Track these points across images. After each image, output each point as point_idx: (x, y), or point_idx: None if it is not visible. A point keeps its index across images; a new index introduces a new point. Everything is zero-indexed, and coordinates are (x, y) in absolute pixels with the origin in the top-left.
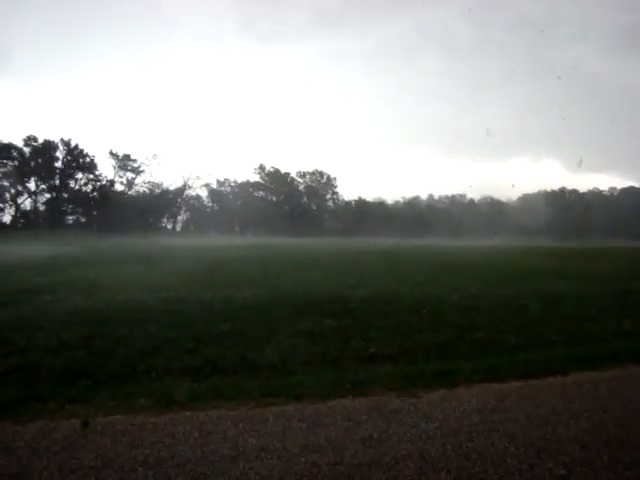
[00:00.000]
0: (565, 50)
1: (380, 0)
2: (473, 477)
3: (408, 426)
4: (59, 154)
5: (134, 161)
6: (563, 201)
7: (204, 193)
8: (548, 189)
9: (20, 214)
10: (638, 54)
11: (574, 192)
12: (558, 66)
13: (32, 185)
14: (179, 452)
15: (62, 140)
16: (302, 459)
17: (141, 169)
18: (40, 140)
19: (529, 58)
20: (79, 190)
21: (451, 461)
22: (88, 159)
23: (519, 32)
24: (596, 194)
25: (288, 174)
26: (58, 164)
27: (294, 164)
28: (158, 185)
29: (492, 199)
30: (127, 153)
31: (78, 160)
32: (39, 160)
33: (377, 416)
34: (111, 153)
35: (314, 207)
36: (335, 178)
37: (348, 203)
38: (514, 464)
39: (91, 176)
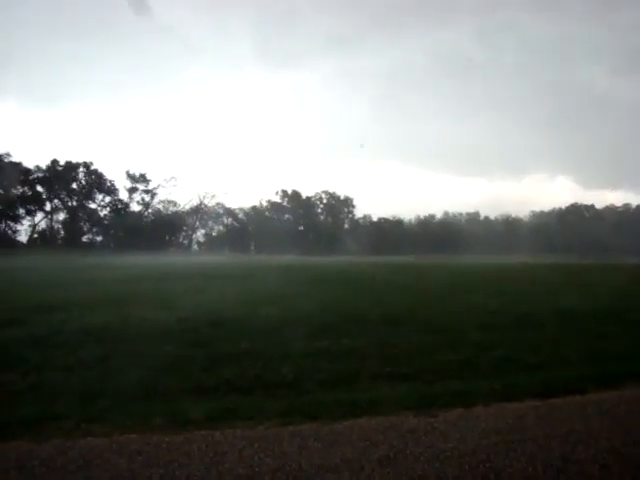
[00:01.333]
0: (578, 68)
1: (392, 22)
2: None
3: (425, 446)
4: (79, 176)
5: (149, 182)
6: (579, 217)
7: (220, 212)
8: (562, 206)
9: (37, 233)
10: None
11: (591, 208)
12: (571, 85)
13: (48, 205)
14: (194, 472)
15: (85, 163)
16: (318, 479)
17: (157, 190)
18: (61, 162)
19: (542, 77)
20: (95, 210)
21: None
22: (108, 182)
23: (531, 51)
24: (612, 210)
25: (300, 194)
26: (77, 185)
27: (310, 184)
28: (174, 204)
29: (507, 217)
30: (143, 173)
31: (97, 182)
32: (59, 181)
33: (393, 436)
34: (128, 174)
35: (331, 226)
36: (352, 199)
37: (365, 222)
38: None
39: (108, 198)
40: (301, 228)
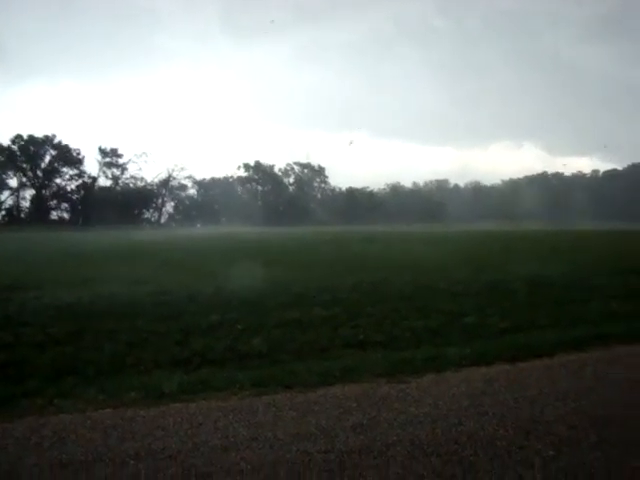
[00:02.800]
0: (543, 38)
1: None
2: (463, 460)
3: (398, 412)
4: (44, 151)
5: (120, 156)
6: (547, 185)
7: (189, 184)
8: (531, 173)
9: (4, 210)
10: (615, 41)
11: (558, 175)
12: (536, 53)
13: (15, 182)
14: (170, 444)
15: (47, 137)
16: (293, 447)
17: (127, 165)
18: (24, 136)
19: (507, 46)
20: (63, 186)
21: (441, 445)
22: (74, 155)
23: (497, 20)
24: (580, 177)
25: (273, 167)
26: (43, 161)
27: (281, 156)
28: (143, 179)
29: (477, 184)
30: (114, 148)
31: (63, 156)
32: (24, 157)
33: (367, 403)
34: (100, 149)
35: (301, 197)
36: (324, 168)
37: (335, 192)
38: (503, 446)
39: (76, 172)
40: (270, 199)
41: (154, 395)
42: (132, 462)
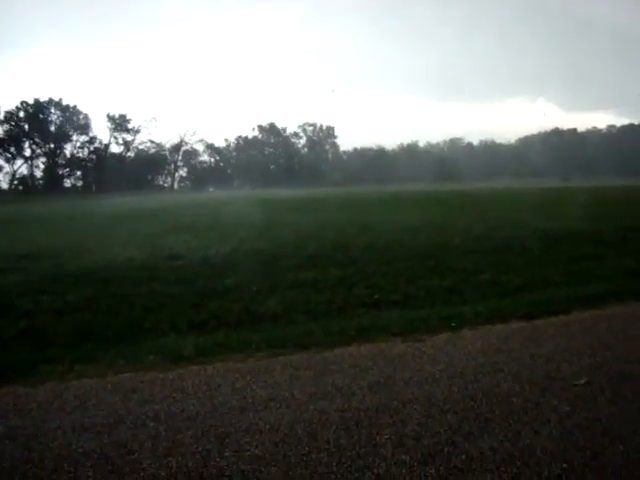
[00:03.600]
0: None
1: None
2: (479, 417)
3: (414, 370)
4: (53, 116)
5: (129, 122)
6: (562, 141)
7: (201, 149)
8: (546, 129)
9: (17, 180)
10: None
11: (573, 131)
12: (550, 7)
13: (27, 150)
14: (189, 406)
15: (53, 100)
16: (310, 407)
17: (138, 130)
18: (30, 101)
19: (520, 1)
20: (75, 153)
21: (457, 403)
22: (82, 119)
23: None
24: (595, 133)
25: (285, 129)
26: (52, 126)
27: (292, 119)
28: (155, 144)
29: (491, 142)
30: (123, 114)
31: (72, 121)
32: (33, 123)
33: (383, 362)
34: (108, 116)
35: (313, 158)
36: (333, 128)
37: (347, 153)
38: (519, 403)
39: (87, 138)
40: (282, 161)
41: (172, 358)
42: (152, 424)
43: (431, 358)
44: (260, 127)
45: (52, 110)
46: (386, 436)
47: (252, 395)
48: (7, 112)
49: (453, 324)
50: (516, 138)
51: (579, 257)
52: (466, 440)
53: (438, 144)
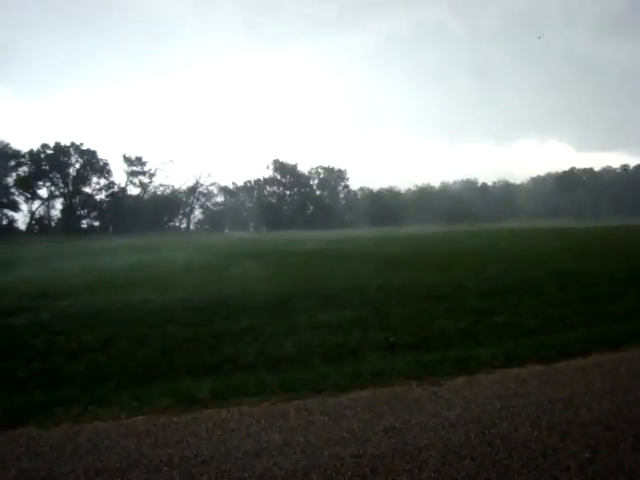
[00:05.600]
0: (563, 34)
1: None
2: (497, 463)
3: (430, 415)
4: (72, 159)
5: (144, 164)
6: (576, 181)
7: (216, 191)
8: (558, 170)
9: (34, 220)
10: (636, 35)
11: (588, 171)
12: (558, 50)
13: (45, 191)
14: (203, 450)
15: (74, 144)
16: (325, 452)
17: (154, 173)
18: (50, 145)
19: (528, 45)
20: (93, 195)
21: (474, 448)
22: (101, 163)
23: (513, 19)
24: (610, 172)
25: (296, 166)
26: (71, 169)
27: (304, 161)
28: (171, 187)
29: (504, 182)
30: (139, 156)
31: (92, 164)
32: (52, 165)
33: (398, 406)
34: (124, 157)
35: (327, 200)
36: (345, 170)
37: (362, 194)
38: (538, 449)
39: (104, 181)
40: (296, 202)
41: (186, 401)
42: (166, 468)
43: (447, 402)
44: (275, 163)
45: (71, 152)
46: None
47: (266, 440)
48: (27, 154)
49: (470, 367)
50: (529, 178)
51: (596, 297)
52: None
53: (453, 184)
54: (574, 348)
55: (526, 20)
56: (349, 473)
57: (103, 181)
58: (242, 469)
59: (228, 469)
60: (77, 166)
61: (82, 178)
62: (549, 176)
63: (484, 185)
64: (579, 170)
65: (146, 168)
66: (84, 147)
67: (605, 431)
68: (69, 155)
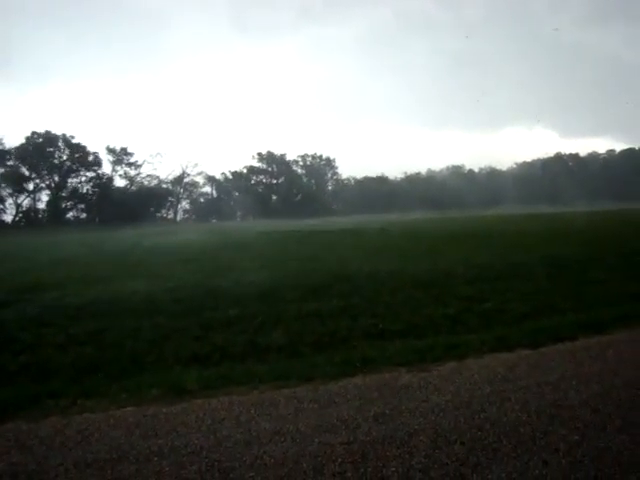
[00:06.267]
0: (549, 20)
1: None
2: (487, 448)
3: (420, 400)
4: (59, 151)
5: (130, 155)
6: (563, 166)
7: (202, 181)
8: (545, 155)
9: (21, 213)
10: (624, 22)
11: (574, 156)
12: (543, 36)
13: (31, 184)
14: (193, 440)
15: (60, 136)
16: (316, 440)
17: (141, 165)
18: (39, 132)
19: (513, 31)
20: (79, 187)
21: (464, 433)
22: (86, 153)
23: (500, 8)
24: (595, 157)
25: (285, 155)
26: (58, 161)
27: (292, 150)
28: (157, 177)
29: (491, 169)
30: (124, 147)
31: (79, 156)
32: (37, 157)
33: (388, 392)
34: (108, 149)
35: (314, 188)
36: (334, 159)
37: (348, 182)
38: (527, 432)
39: (91, 173)
40: (283, 191)
41: (176, 392)
42: (156, 459)
43: (437, 388)
44: (260, 155)
45: (57, 144)
46: (393, 469)
47: (256, 429)
48: (13, 147)
49: (459, 353)
50: (516, 164)
51: (585, 282)
52: (474, 472)
53: (440, 171)
54: (563, 333)
55: (511, 8)
56: (339, 460)
57: (90, 173)
58: (232, 458)
59: (218, 458)
60: (64, 158)
61: (69, 170)
62: (535, 162)
63: (471, 172)
64: (565, 155)
65: (132, 159)
66: (71, 139)
67: (593, 414)
68: (56, 146)
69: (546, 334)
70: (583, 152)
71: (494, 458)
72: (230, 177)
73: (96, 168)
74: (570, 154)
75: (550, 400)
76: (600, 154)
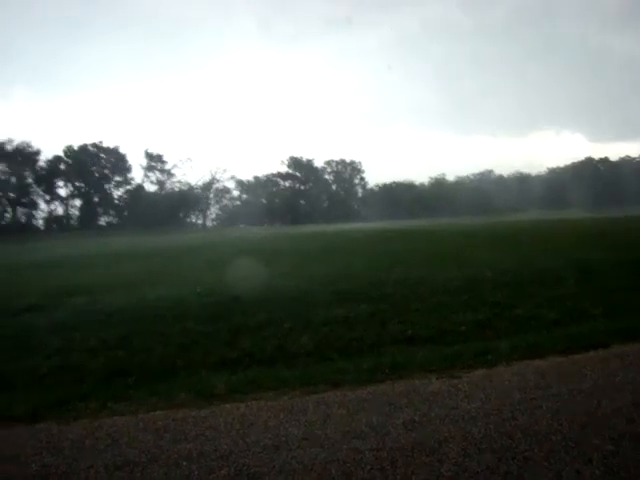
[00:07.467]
0: (577, 24)
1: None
2: (518, 456)
3: (449, 407)
4: (93, 158)
5: (164, 162)
6: (593, 171)
7: (232, 186)
8: (574, 160)
9: (53, 219)
10: None
11: (604, 161)
12: (571, 40)
13: (64, 190)
14: (221, 444)
15: (94, 144)
16: (344, 446)
17: (172, 170)
18: (75, 146)
19: (541, 36)
20: (110, 192)
21: (495, 441)
22: (119, 160)
23: (527, 12)
24: (627, 161)
25: (313, 161)
26: (92, 168)
27: (319, 155)
28: (187, 183)
29: (521, 174)
30: (160, 154)
31: (111, 163)
32: (73, 165)
33: (417, 399)
34: (146, 153)
35: (342, 194)
36: (360, 163)
37: (376, 188)
38: (559, 441)
39: (122, 178)
40: (311, 197)
41: (205, 396)
42: (184, 463)
43: (467, 395)
44: (288, 160)
45: (91, 151)
46: (422, 476)
47: (285, 434)
48: (48, 153)
49: (489, 358)
50: (546, 169)
51: (616, 289)
52: None
53: (468, 177)
54: (594, 339)
55: (537, 11)
56: (368, 466)
57: (121, 179)
58: (261, 463)
59: (247, 463)
60: (97, 165)
61: (102, 177)
62: (566, 167)
63: (500, 177)
64: (596, 160)
65: (166, 166)
66: (104, 146)
67: (628, 424)
68: (89, 154)
69: (577, 341)
70: (614, 156)
71: (525, 467)
72: (258, 183)
73: (127, 174)
74: (600, 159)
75: (583, 408)
76: (633, 158)
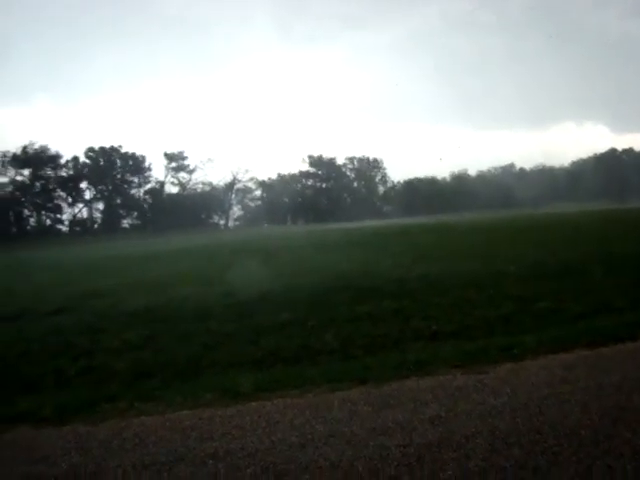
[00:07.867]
0: (595, 15)
1: None
2: (547, 451)
3: (476, 403)
4: (114, 161)
5: (185, 159)
6: (618, 162)
7: (254, 186)
8: (597, 152)
9: (77, 221)
10: None
11: (629, 151)
12: (591, 30)
13: (87, 193)
14: (248, 443)
15: (115, 147)
16: (371, 442)
17: (194, 169)
18: (96, 149)
19: (560, 28)
20: (132, 194)
21: (523, 436)
22: (141, 163)
23: (546, 3)
24: None
25: (334, 159)
26: (113, 171)
27: (340, 152)
28: (209, 183)
29: (543, 167)
30: (181, 151)
31: (133, 165)
32: (94, 168)
33: (443, 395)
34: (165, 154)
35: (364, 191)
36: (382, 160)
37: (398, 184)
38: (589, 435)
39: (143, 181)
40: (333, 194)
41: (230, 395)
42: (211, 462)
43: (493, 390)
44: (310, 158)
45: (111, 154)
46: (450, 472)
47: (311, 431)
48: (72, 159)
49: (515, 352)
50: (570, 161)
51: None
52: (534, 476)
53: (489, 171)
54: (621, 333)
55: (556, 3)
56: (395, 463)
57: (142, 180)
58: (288, 461)
59: (273, 461)
60: (119, 168)
61: (124, 179)
62: (589, 158)
63: (522, 170)
64: (620, 151)
65: (187, 164)
66: (125, 148)
67: None
68: (111, 157)
69: (604, 334)
70: (638, 147)
71: (554, 462)
72: (280, 181)
73: (149, 176)
74: (624, 149)
75: (612, 402)
76: None
